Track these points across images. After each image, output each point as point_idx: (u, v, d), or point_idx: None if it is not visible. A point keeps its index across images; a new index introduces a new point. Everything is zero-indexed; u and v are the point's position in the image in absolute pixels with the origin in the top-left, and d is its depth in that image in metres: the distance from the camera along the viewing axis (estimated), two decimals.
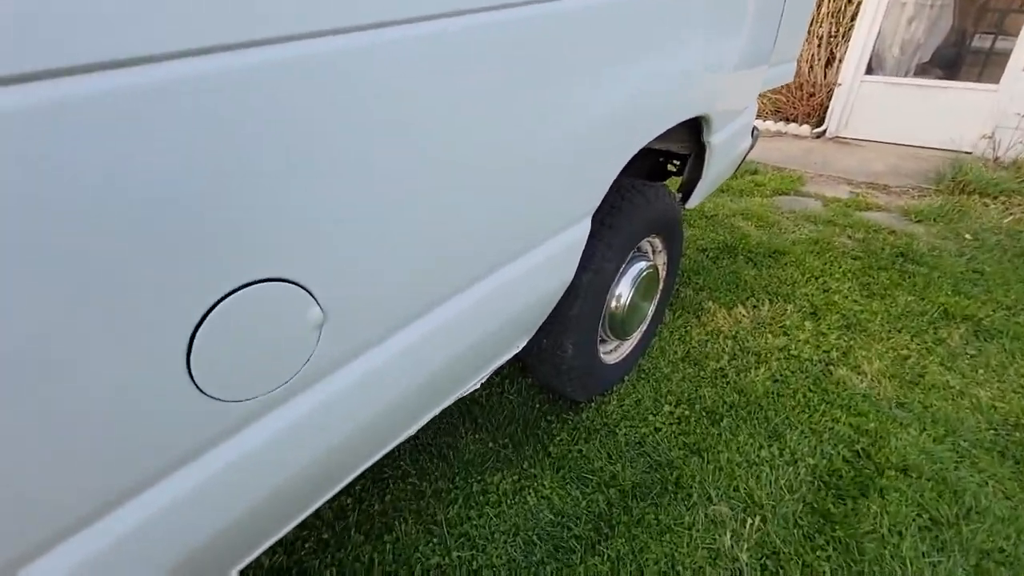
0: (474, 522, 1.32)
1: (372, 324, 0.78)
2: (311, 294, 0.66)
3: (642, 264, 1.60)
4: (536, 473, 1.46)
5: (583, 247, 1.23)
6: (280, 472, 0.76)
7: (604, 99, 1.04)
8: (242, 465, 0.69)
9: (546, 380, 1.57)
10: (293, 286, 0.63)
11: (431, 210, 0.78)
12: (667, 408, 1.67)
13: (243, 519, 0.73)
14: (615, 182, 1.30)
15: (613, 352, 1.73)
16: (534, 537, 1.30)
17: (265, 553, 1.21)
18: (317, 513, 1.31)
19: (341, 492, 1.36)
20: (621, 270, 1.53)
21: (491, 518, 1.34)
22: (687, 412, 1.66)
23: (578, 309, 1.38)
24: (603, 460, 1.50)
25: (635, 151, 1.21)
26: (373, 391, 0.84)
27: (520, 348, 1.30)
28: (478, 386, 1.20)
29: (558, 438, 1.56)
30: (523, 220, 1.00)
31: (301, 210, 0.60)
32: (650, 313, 1.82)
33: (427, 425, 1.57)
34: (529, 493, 1.40)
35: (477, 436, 1.56)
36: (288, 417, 0.72)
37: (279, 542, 1.24)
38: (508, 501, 1.38)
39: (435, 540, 1.28)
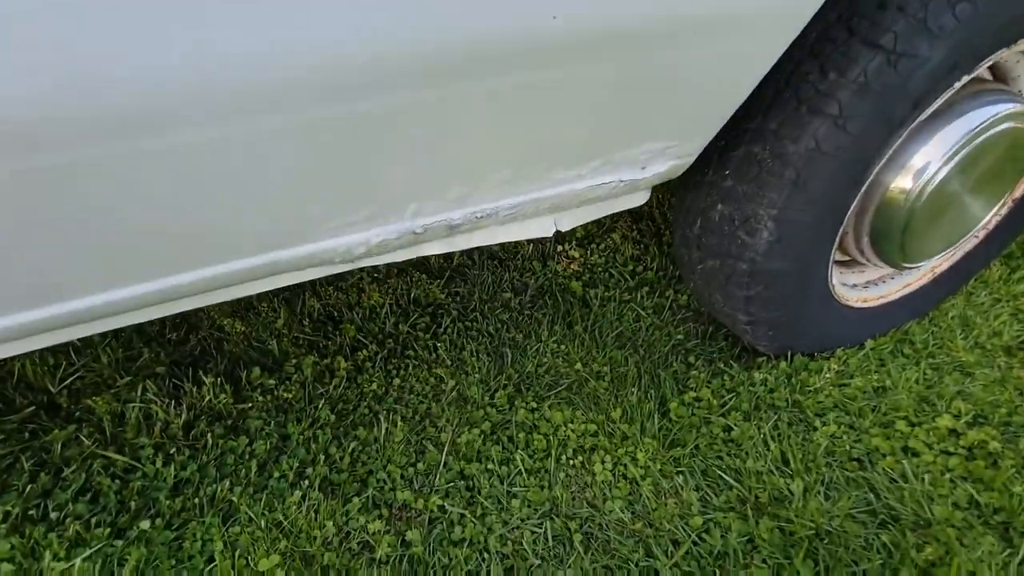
0: (491, 467, 0.77)
1: None
2: None
3: (999, 108, 0.72)
4: (630, 433, 0.82)
5: None
6: None
7: None
8: None
9: (706, 296, 0.86)
10: None
11: None
12: (946, 421, 0.82)
13: None
14: None
15: (867, 287, 0.91)
16: (575, 537, 0.69)
17: (212, 389, 0.86)
18: (297, 364, 0.92)
19: (338, 352, 0.94)
20: (934, 108, 0.69)
21: (522, 473, 0.77)
22: (988, 441, 0.79)
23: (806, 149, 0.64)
24: (766, 461, 0.78)
25: None
26: None
27: (639, 200, 0.63)
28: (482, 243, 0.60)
29: (693, 394, 0.87)
30: None
31: None
32: (984, 225, 0.89)
33: (501, 308, 1.03)
34: (604, 459, 0.78)
35: (561, 347, 0.96)
36: None
37: (230, 378, 0.89)
38: (563, 458, 0.79)
39: (419, 468, 0.77)
